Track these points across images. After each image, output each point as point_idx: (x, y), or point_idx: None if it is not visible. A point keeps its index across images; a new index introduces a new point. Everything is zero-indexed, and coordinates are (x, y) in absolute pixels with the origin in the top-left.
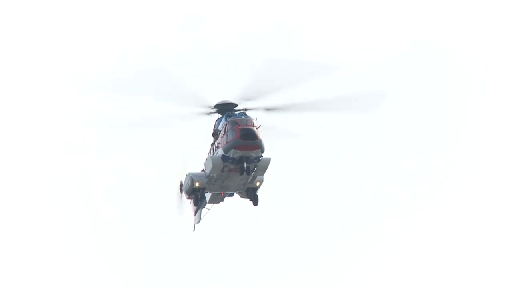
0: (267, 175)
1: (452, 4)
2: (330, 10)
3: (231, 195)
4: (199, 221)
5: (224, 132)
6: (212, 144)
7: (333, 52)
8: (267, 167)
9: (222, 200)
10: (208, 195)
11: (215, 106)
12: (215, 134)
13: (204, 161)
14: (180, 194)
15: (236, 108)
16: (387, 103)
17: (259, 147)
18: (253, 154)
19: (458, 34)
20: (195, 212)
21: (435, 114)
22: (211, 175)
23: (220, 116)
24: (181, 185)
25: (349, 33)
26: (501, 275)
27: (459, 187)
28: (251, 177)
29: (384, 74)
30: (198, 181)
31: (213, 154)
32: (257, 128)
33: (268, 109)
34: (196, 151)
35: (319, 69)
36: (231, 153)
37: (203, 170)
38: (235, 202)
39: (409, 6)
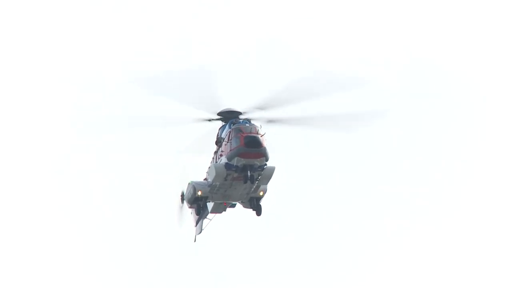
0: (271, 185)
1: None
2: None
3: (233, 206)
4: (200, 232)
5: (228, 139)
6: (215, 152)
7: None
8: (271, 176)
9: (225, 210)
10: (210, 205)
11: (219, 114)
12: (219, 142)
13: (207, 169)
14: (181, 204)
15: (240, 117)
16: (390, 115)
17: (264, 155)
18: (257, 162)
19: (457, 47)
20: (196, 223)
21: (435, 125)
22: (214, 183)
23: (223, 124)
24: (182, 195)
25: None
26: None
27: (460, 194)
28: (254, 186)
29: (385, 92)
30: (200, 190)
31: (216, 162)
32: (261, 136)
33: (270, 121)
34: (199, 160)
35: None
36: (234, 161)
37: (205, 179)
38: (238, 212)
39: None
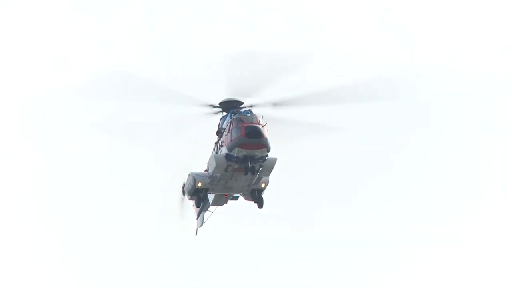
0: (273, 176)
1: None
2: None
3: (236, 198)
4: (201, 225)
5: (229, 130)
6: (216, 143)
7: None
8: (273, 167)
9: (226, 202)
10: (211, 197)
11: (220, 104)
12: (220, 132)
13: (207, 160)
14: (182, 197)
15: (241, 106)
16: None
17: (265, 146)
18: (258, 153)
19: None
20: (198, 215)
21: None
22: (214, 175)
23: (224, 114)
24: (183, 187)
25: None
26: None
27: (461, 193)
28: (256, 178)
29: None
30: (200, 181)
31: (217, 153)
32: (263, 126)
33: (275, 104)
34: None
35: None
36: (235, 152)
37: (206, 170)
38: (239, 205)
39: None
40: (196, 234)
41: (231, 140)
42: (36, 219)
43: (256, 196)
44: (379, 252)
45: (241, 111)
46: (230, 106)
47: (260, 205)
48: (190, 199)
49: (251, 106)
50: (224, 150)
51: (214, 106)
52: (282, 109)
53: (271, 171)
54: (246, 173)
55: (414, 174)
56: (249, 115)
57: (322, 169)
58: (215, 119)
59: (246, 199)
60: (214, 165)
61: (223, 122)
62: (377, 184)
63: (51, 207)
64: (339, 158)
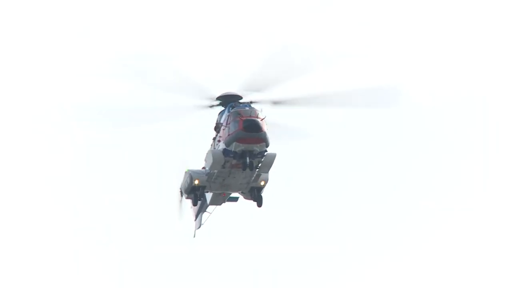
0: (272, 173)
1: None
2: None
3: (235, 199)
4: (199, 227)
5: (226, 124)
6: (214, 139)
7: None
8: (272, 163)
9: (224, 201)
10: (209, 196)
11: (218, 98)
12: (217, 127)
13: (204, 156)
14: (180, 198)
15: (241, 101)
16: (404, 99)
17: (264, 140)
18: (256, 148)
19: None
20: (196, 217)
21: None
22: (211, 171)
23: (223, 108)
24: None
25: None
26: None
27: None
28: (254, 175)
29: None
30: (197, 179)
31: (215, 148)
32: (261, 120)
33: (275, 103)
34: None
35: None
36: (233, 147)
37: (204, 168)
38: (238, 203)
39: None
40: (194, 236)
41: (228, 134)
42: (30, 221)
43: (256, 195)
44: (385, 254)
45: (240, 105)
46: (228, 101)
47: (260, 204)
48: (187, 198)
49: (250, 102)
50: (221, 145)
51: (212, 106)
52: (282, 108)
53: (270, 167)
54: (244, 169)
55: (416, 173)
56: (247, 108)
57: (324, 165)
58: (213, 115)
59: (245, 198)
60: (211, 160)
61: (221, 117)
62: (382, 180)
63: (44, 209)
64: (342, 153)
